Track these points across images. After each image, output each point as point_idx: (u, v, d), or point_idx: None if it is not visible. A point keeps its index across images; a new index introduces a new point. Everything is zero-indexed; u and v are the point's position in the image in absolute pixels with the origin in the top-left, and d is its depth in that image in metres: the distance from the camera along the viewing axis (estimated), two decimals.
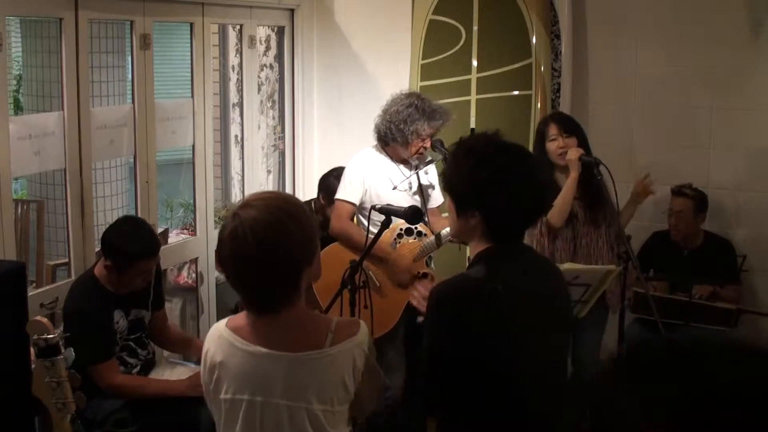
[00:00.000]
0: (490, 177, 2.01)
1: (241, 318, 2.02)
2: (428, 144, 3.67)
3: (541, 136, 3.77)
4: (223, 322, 2.04)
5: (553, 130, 3.73)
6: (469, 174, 2.04)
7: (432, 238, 3.67)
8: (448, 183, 2.13)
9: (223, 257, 1.93)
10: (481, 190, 2.02)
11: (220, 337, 2.00)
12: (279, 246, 1.89)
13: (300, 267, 1.93)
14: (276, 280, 1.91)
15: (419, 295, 2.23)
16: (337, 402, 1.96)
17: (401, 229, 3.69)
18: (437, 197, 3.91)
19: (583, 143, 3.74)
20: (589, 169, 3.63)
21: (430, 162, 3.79)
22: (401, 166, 3.74)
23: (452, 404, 2.03)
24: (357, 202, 3.72)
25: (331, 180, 4.23)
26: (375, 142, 3.80)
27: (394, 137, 3.63)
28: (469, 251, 2.18)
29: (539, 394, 2.02)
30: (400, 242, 3.72)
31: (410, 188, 3.74)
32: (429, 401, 2.10)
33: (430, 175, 3.87)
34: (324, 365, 1.95)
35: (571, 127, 3.76)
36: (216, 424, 2.06)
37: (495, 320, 1.94)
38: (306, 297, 2.06)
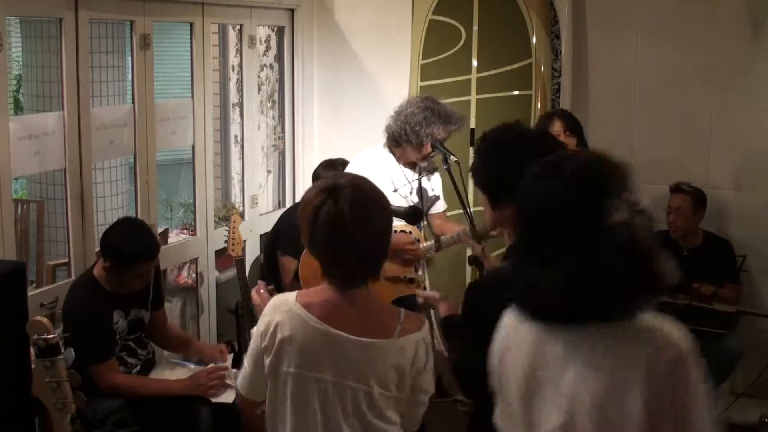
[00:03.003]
0: (514, 165, 2.06)
1: (313, 295, 2.05)
2: None
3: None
4: (292, 295, 2.07)
5: (557, 126, 3.75)
6: (497, 166, 2.12)
7: (428, 243, 3.66)
8: (478, 179, 2.20)
9: (323, 234, 1.98)
10: (508, 178, 2.06)
11: (290, 311, 2.03)
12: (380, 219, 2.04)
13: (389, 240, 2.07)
14: (378, 250, 2.04)
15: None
16: (395, 389, 2.04)
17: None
18: (441, 203, 3.88)
19: (581, 146, 3.75)
20: None
21: (436, 170, 3.78)
22: (405, 169, 3.73)
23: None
24: None
25: (319, 170, 4.26)
26: (379, 141, 3.77)
27: (408, 138, 3.59)
28: (506, 241, 2.24)
29: None
30: None
31: (411, 192, 3.72)
32: (467, 384, 2.15)
33: (434, 181, 3.85)
34: (390, 354, 2.03)
35: (575, 128, 3.78)
36: (270, 391, 2.08)
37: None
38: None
